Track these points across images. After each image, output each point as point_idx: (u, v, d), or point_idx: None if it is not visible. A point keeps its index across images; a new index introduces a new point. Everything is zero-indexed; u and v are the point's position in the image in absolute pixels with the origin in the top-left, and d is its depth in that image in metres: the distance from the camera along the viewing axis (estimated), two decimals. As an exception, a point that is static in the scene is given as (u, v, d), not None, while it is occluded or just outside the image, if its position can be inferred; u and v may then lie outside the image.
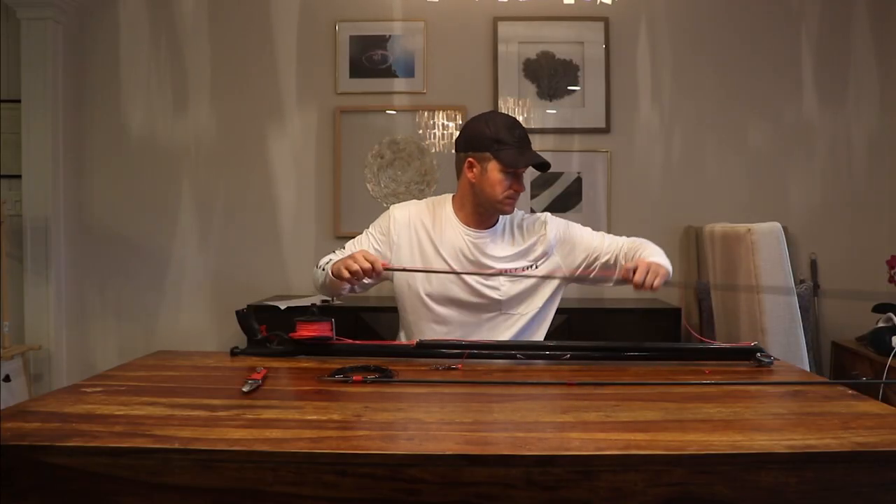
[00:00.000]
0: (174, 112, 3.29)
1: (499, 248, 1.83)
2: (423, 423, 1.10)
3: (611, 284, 1.87)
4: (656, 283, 1.62)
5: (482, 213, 1.83)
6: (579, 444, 1.00)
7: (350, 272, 1.64)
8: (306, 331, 1.57)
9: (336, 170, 3.26)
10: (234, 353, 1.65)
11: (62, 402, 1.21)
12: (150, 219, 3.30)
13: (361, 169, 3.27)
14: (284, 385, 1.38)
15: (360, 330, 2.73)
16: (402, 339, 1.91)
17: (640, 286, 1.62)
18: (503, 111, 3.23)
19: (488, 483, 0.94)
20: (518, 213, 1.91)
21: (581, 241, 1.86)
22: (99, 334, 3.30)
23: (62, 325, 3.15)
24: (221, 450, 0.96)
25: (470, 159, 1.79)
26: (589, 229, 1.91)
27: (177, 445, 0.97)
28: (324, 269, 1.80)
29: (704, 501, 0.94)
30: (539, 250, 1.84)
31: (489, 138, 1.77)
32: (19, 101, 3.09)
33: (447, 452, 0.95)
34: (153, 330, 3.28)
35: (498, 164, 1.76)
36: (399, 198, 3.23)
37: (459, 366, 1.52)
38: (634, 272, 1.63)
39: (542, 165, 1.79)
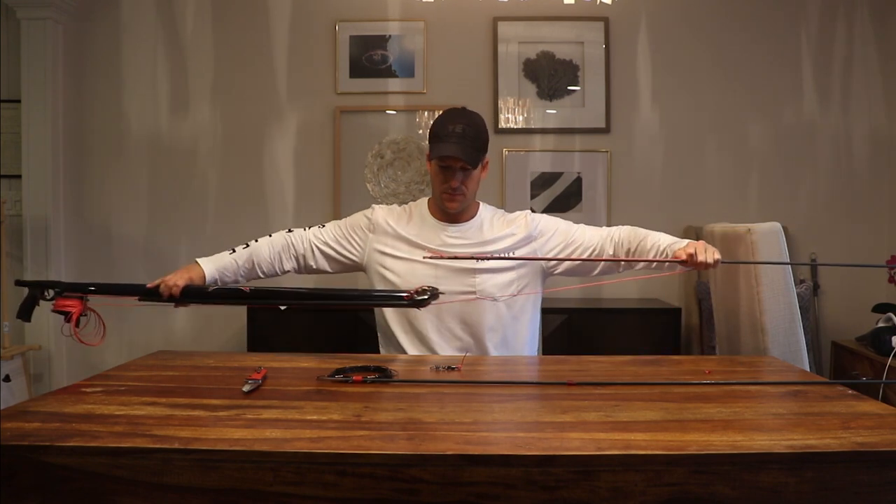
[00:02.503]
0: (174, 112, 3.29)
1: (475, 238, 1.85)
2: (423, 423, 1.10)
3: (595, 273, 1.86)
4: (717, 256, 1.59)
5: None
6: (579, 444, 1.00)
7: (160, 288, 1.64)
8: (59, 305, 1.62)
9: (336, 170, 3.26)
10: (18, 283, 1.69)
11: (62, 402, 1.21)
12: (150, 219, 3.30)
13: (361, 169, 3.26)
14: (284, 385, 1.38)
15: (359, 331, 2.73)
16: (381, 341, 1.92)
17: (706, 266, 1.58)
18: (503, 111, 3.23)
19: (488, 483, 0.94)
20: (499, 211, 1.95)
21: (559, 230, 1.87)
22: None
23: (62, 325, 3.14)
24: (221, 450, 0.96)
25: (427, 153, 1.85)
26: (572, 223, 1.91)
27: (177, 445, 0.97)
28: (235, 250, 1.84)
29: (704, 501, 0.95)
30: (517, 237, 1.85)
31: (432, 132, 1.82)
32: (19, 101, 3.09)
33: (447, 452, 0.95)
34: (153, 330, 3.28)
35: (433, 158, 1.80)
36: (399, 198, 3.24)
37: (459, 366, 1.52)
38: (691, 257, 1.59)
39: (469, 159, 1.76)
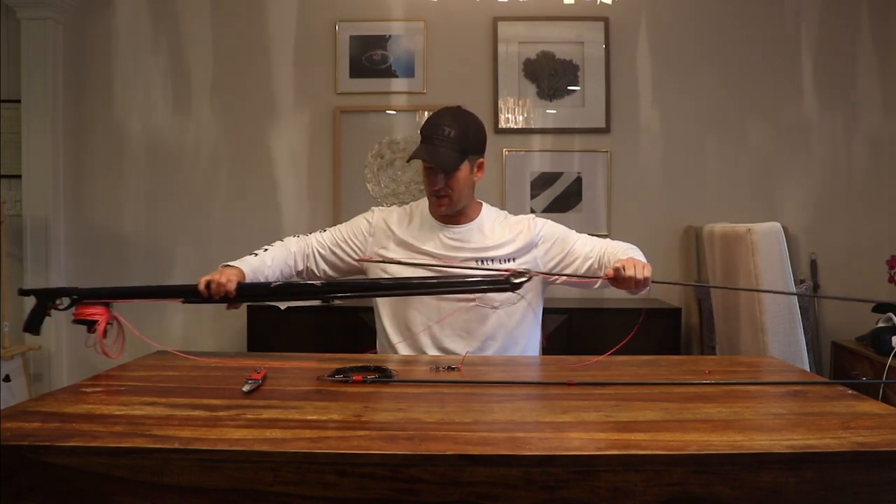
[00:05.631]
0: (174, 112, 3.29)
1: (475, 240, 1.82)
2: (423, 423, 1.10)
3: (596, 287, 1.88)
4: (646, 272, 1.57)
5: None
6: (579, 444, 1.00)
7: (206, 286, 1.58)
8: (83, 314, 1.50)
9: (336, 170, 3.26)
10: (22, 292, 1.61)
11: (62, 402, 1.21)
12: (150, 219, 3.30)
13: (361, 169, 3.27)
14: (284, 385, 1.37)
15: (360, 331, 2.73)
16: (378, 342, 1.92)
17: (631, 281, 1.55)
18: (503, 111, 3.23)
19: (488, 483, 0.94)
20: (503, 213, 1.91)
21: (560, 238, 1.84)
22: (99, 334, 3.30)
23: (62, 325, 3.15)
24: (221, 450, 0.96)
25: None
26: (574, 232, 1.88)
27: (177, 445, 0.97)
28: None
29: (704, 501, 0.94)
30: (519, 244, 1.81)
31: (420, 132, 1.79)
32: (19, 101, 3.10)
33: (447, 452, 0.95)
34: (153, 330, 3.28)
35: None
36: (399, 198, 3.24)
37: (459, 366, 1.52)
38: (618, 271, 1.58)
39: (440, 163, 1.72)
